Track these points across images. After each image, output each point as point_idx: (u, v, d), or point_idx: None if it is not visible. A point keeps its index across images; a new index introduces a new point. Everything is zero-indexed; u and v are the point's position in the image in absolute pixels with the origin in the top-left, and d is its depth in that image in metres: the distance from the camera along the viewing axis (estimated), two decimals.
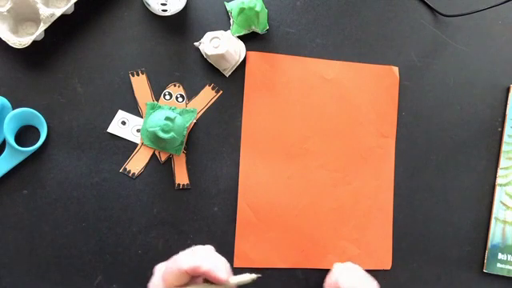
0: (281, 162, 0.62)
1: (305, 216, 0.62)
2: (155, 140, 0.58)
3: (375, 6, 0.65)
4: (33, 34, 0.56)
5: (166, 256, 0.59)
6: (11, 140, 0.56)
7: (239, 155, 0.61)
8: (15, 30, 0.58)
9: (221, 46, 0.58)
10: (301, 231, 0.62)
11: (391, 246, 0.63)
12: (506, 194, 0.64)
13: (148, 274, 0.47)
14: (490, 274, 0.64)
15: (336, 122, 0.63)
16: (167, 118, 0.56)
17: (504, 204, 0.64)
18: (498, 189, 0.64)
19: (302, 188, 0.62)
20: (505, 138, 0.65)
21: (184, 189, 0.60)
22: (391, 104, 0.64)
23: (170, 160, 0.60)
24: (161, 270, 0.46)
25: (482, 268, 0.64)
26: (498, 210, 0.64)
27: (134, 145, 0.60)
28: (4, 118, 0.56)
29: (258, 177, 0.61)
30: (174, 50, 0.61)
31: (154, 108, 0.60)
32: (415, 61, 0.65)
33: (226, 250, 0.61)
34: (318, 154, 0.63)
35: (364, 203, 0.63)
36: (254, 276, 0.43)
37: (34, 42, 0.56)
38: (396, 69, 0.64)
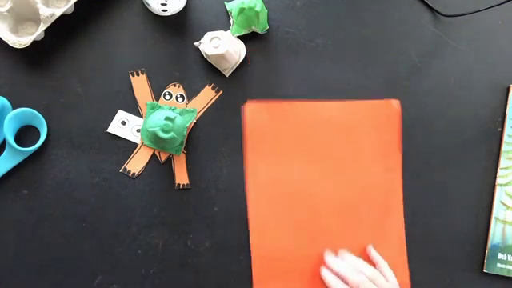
0: (288, 208, 0.61)
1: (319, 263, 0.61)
2: (155, 140, 0.58)
3: (375, 6, 0.65)
4: (33, 33, 0.56)
5: (166, 256, 0.59)
6: (11, 140, 0.56)
7: (239, 155, 0.61)
8: (15, 30, 0.58)
9: (221, 46, 0.58)
10: (316, 276, 0.61)
11: (407, 263, 0.63)
12: (506, 194, 0.64)
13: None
14: (490, 274, 0.64)
15: (340, 161, 0.63)
16: (167, 118, 0.56)
17: (504, 204, 0.64)
18: (497, 189, 0.64)
19: (313, 235, 0.62)
20: (505, 138, 0.65)
21: (184, 189, 0.60)
22: (394, 137, 0.63)
23: (170, 160, 0.60)
24: None
25: (482, 268, 0.64)
26: (497, 210, 0.64)
27: (134, 145, 0.60)
28: (4, 118, 0.56)
29: (269, 229, 0.61)
30: (174, 50, 0.61)
31: (154, 108, 0.60)
32: (415, 61, 0.65)
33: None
34: (326, 196, 0.62)
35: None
36: None
37: (34, 42, 0.56)
38: (396, 102, 0.64)
